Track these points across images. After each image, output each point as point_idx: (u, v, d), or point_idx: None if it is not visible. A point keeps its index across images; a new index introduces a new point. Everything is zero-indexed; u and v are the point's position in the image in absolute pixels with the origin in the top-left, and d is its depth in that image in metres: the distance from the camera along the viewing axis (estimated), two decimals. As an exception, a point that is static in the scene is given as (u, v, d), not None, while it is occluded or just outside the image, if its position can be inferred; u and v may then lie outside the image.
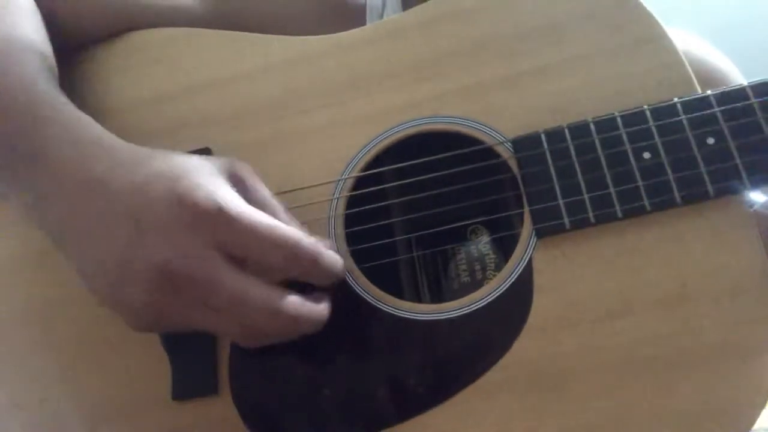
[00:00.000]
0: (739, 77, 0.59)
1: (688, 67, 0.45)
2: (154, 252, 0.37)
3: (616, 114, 0.44)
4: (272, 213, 0.41)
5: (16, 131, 0.42)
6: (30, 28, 0.49)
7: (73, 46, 0.55)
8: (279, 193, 0.47)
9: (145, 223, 0.37)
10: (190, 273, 0.37)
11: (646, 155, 0.42)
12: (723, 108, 0.42)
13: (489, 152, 0.46)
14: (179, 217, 0.37)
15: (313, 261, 0.39)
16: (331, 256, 0.41)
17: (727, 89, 0.43)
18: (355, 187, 0.47)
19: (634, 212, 0.42)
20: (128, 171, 0.39)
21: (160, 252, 0.37)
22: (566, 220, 0.42)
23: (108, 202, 0.39)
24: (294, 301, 0.39)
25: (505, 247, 0.52)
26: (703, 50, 0.59)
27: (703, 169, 0.41)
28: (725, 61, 0.60)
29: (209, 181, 0.38)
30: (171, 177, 0.38)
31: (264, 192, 0.42)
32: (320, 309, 0.40)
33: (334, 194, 0.47)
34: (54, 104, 0.44)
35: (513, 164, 0.45)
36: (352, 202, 0.47)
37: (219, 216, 0.37)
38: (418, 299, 0.52)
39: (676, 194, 0.41)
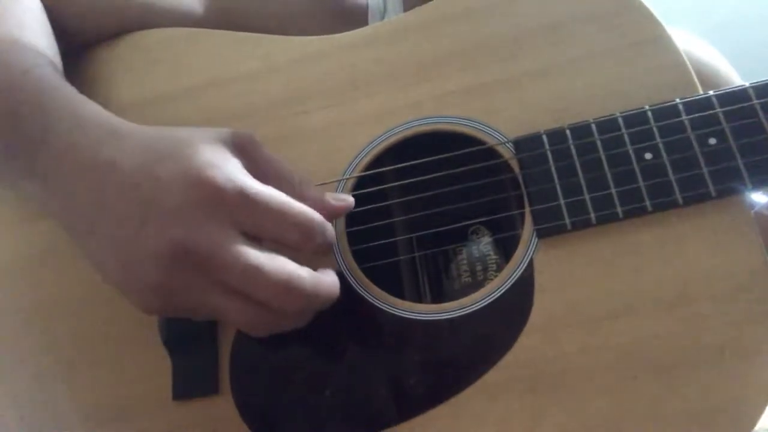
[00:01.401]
0: (737, 80, 0.59)
1: (690, 68, 0.45)
2: (168, 230, 0.36)
3: (618, 114, 0.44)
4: (285, 180, 0.41)
5: (20, 119, 0.42)
6: (36, 24, 0.49)
7: (76, 47, 0.55)
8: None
9: (158, 202, 0.37)
10: (204, 249, 0.36)
11: (648, 156, 0.42)
12: (725, 109, 0.42)
13: (490, 152, 0.46)
14: (195, 197, 0.37)
15: (323, 233, 0.40)
16: (331, 227, 0.42)
17: (729, 90, 0.43)
18: (356, 187, 0.47)
19: (636, 213, 0.42)
20: (136, 152, 0.39)
21: (175, 229, 0.36)
22: (567, 221, 0.42)
23: (117, 184, 0.38)
24: (307, 275, 0.39)
25: (506, 248, 0.52)
26: (703, 52, 0.59)
27: (704, 169, 0.41)
28: (724, 63, 0.60)
29: (221, 159, 0.38)
30: (182, 156, 0.38)
31: (270, 158, 0.42)
32: (332, 280, 0.40)
33: (335, 194, 0.47)
34: (58, 90, 0.44)
35: (514, 164, 0.45)
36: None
37: (236, 194, 0.37)
38: (419, 300, 0.52)
39: (678, 195, 0.41)
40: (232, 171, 0.38)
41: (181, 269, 0.37)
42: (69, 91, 0.44)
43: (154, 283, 0.37)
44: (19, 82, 0.43)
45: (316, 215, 0.40)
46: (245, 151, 0.41)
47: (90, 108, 0.43)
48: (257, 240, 0.38)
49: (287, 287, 0.37)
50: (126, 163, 0.39)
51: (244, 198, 0.37)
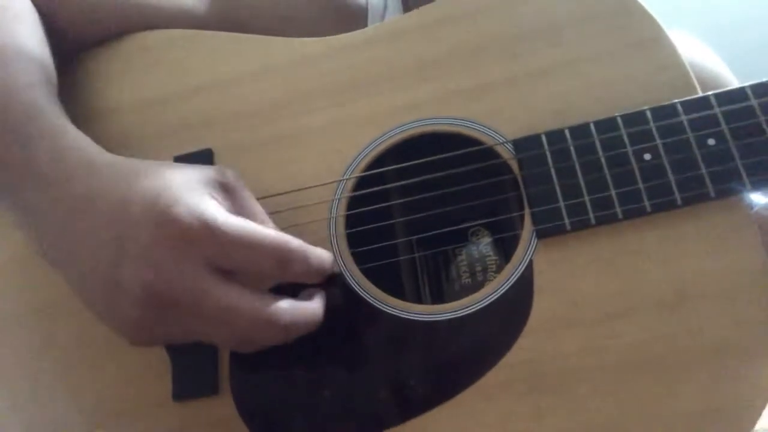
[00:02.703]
0: (734, 81, 0.59)
1: (689, 69, 0.45)
2: (139, 273, 0.36)
3: (617, 115, 0.44)
4: (258, 222, 0.41)
5: (4, 148, 0.42)
6: (27, 34, 0.49)
7: (74, 48, 0.55)
8: (280, 194, 0.47)
9: (128, 242, 0.37)
10: (176, 292, 0.36)
11: (647, 156, 0.42)
12: (723, 109, 0.42)
13: (490, 153, 0.46)
14: (161, 235, 0.36)
15: (303, 261, 0.39)
16: (320, 253, 0.41)
17: (727, 90, 0.43)
18: (356, 188, 0.47)
19: (635, 213, 0.42)
20: (110, 189, 0.39)
21: (145, 273, 0.36)
22: (567, 222, 0.42)
23: (91, 222, 0.38)
24: (285, 307, 0.38)
25: (506, 249, 0.52)
26: (703, 56, 0.59)
27: (703, 170, 0.41)
28: (721, 65, 0.60)
29: (190, 194, 0.38)
30: (152, 193, 0.37)
31: (250, 201, 0.41)
32: (314, 308, 0.40)
33: (335, 195, 0.47)
34: (44, 114, 0.43)
35: (513, 165, 0.45)
36: (353, 203, 0.47)
37: (203, 230, 0.36)
38: (420, 301, 0.52)
39: (677, 195, 0.41)
40: (199, 206, 0.37)
41: (156, 310, 0.37)
42: (53, 116, 0.44)
43: (133, 320, 0.37)
44: (11, 106, 0.43)
45: (293, 242, 0.39)
46: (229, 189, 0.40)
47: (71, 137, 0.43)
48: (231, 274, 0.38)
49: (262, 323, 0.38)
50: (99, 200, 0.39)
51: (210, 232, 0.36)
